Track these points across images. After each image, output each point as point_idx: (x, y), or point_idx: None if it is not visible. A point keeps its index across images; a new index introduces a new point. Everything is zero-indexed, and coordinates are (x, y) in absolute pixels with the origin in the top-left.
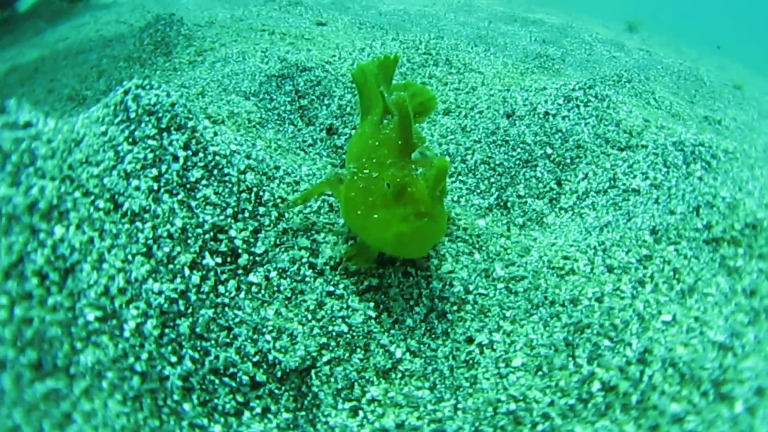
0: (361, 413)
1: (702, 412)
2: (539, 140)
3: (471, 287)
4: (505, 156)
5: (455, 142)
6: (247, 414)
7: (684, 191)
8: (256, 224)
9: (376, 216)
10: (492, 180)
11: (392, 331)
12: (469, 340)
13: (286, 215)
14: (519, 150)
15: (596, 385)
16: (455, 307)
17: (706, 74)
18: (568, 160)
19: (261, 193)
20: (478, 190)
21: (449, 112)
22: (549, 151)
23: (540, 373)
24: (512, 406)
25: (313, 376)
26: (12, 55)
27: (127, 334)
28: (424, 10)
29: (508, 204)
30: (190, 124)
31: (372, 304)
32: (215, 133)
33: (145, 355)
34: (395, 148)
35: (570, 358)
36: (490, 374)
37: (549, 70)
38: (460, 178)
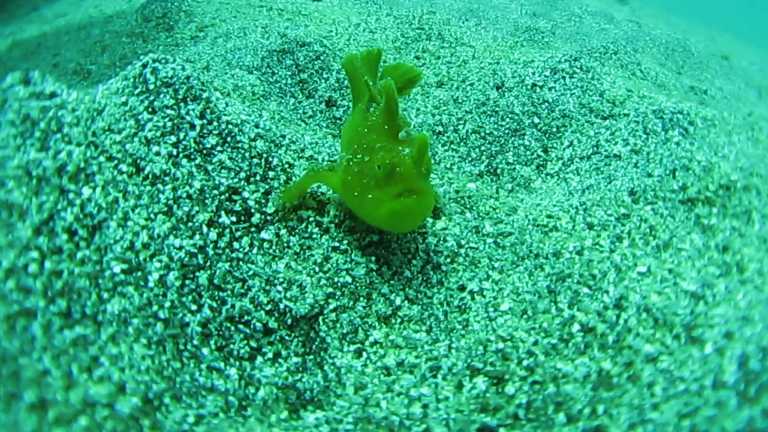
0: (364, 354)
1: (674, 353)
2: (527, 110)
3: (463, 242)
4: (495, 126)
5: (447, 113)
6: (259, 359)
7: (662, 155)
8: (266, 186)
9: (370, 196)
10: (482, 148)
11: (392, 282)
12: (461, 288)
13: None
14: (508, 120)
15: (576, 327)
16: (448, 260)
17: (694, 45)
18: (554, 129)
19: (270, 159)
20: (470, 158)
21: (442, 85)
22: (536, 120)
23: (525, 316)
24: (500, 345)
25: (321, 323)
26: (11, 30)
27: (151, 284)
28: None
29: (498, 170)
30: (204, 95)
31: (373, 258)
32: (226, 104)
33: (167, 304)
34: (383, 132)
35: (552, 304)
36: (480, 318)
37: (538, 43)
38: (452, 146)
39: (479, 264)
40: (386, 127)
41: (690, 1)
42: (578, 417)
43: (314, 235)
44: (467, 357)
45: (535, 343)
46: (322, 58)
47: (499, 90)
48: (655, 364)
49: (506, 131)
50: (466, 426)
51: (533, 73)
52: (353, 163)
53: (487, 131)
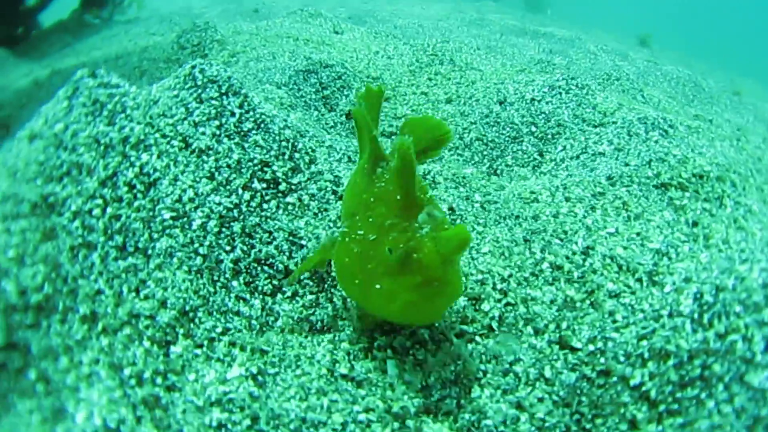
0: None
1: (636, 291)
2: (525, 121)
3: (454, 206)
4: (496, 134)
5: (454, 124)
6: (279, 295)
7: (640, 150)
8: (292, 164)
9: (378, 287)
10: (485, 153)
11: None
12: None
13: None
14: (508, 129)
15: (546, 265)
16: None
17: (705, 82)
18: (550, 136)
19: (296, 144)
20: (473, 161)
21: (451, 101)
22: (533, 129)
23: (502, 257)
24: (479, 276)
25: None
26: (48, 62)
27: (194, 228)
28: (438, 23)
29: (498, 171)
30: (243, 91)
31: None
32: (260, 102)
33: (206, 243)
34: (394, 204)
35: (527, 249)
36: (463, 258)
37: (547, 72)
38: (458, 152)
39: (466, 220)
40: (398, 197)
41: (714, 47)
42: (544, 330)
43: (330, 200)
44: None
45: (510, 275)
46: (343, 77)
47: (502, 105)
48: (617, 299)
49: (506, 138)
50: (447, 330)
51: (533, 90)
52: (351, 240)
53: (489, 139)
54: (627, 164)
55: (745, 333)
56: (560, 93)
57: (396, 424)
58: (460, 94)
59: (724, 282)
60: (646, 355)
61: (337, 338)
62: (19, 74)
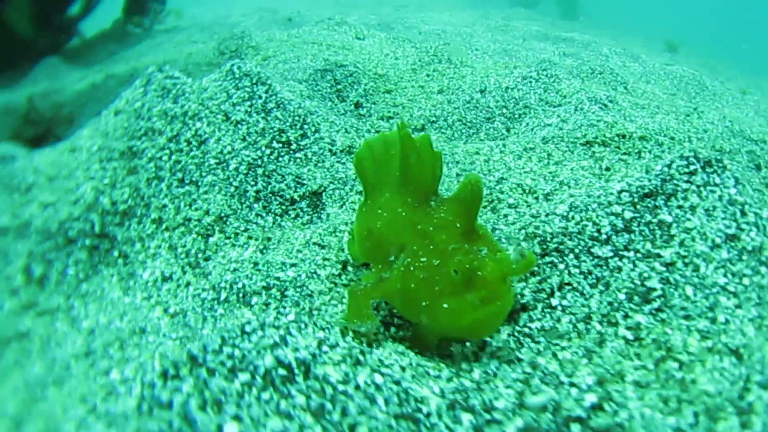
0: (344, 207)
1: (531, 205)
2: (498, 105)
3: None
4: (474, 116)
5: (441, 109)
6: (286, 216)
7: (578, 119)
8: (301, 132)
9: (446, 306)
10: (463, 131)
11: None
12: None
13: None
14: (484, 112)
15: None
16: None
17: (709, 81)
18: (517, 116)
19: (306, 118)
20: (453, 138)
21: (442, 92)
22: (504, 111)
23: (441, 186)
24: None
25: (324, 196)
26: (99, 68)
27: (230, 169)
28: (462, 30)
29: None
30: (268, 82)
31: None
32: (280, 89)
33: (238, 180)
34: (455, 231)
35: (456, 181)
36: None
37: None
38: (441, 130)
39: None
40: (458, 225)
41: (746, 54)
42: None
43: (327, 156)
44: None
45: None
46: (354, 75)
47: (482, 93)
48: (514, 209)
49: (482, 119)
50: None
51: (508, 80)
52: (416, 267)
53: (468, 120)
54: (562, 129)
55: (596, 221)
56: (531, 81)
57: (340, 267)
58: (450, 87)
59: (593, 192)
60: (521, 237)
61: (316, 227)
62: (74, 78)
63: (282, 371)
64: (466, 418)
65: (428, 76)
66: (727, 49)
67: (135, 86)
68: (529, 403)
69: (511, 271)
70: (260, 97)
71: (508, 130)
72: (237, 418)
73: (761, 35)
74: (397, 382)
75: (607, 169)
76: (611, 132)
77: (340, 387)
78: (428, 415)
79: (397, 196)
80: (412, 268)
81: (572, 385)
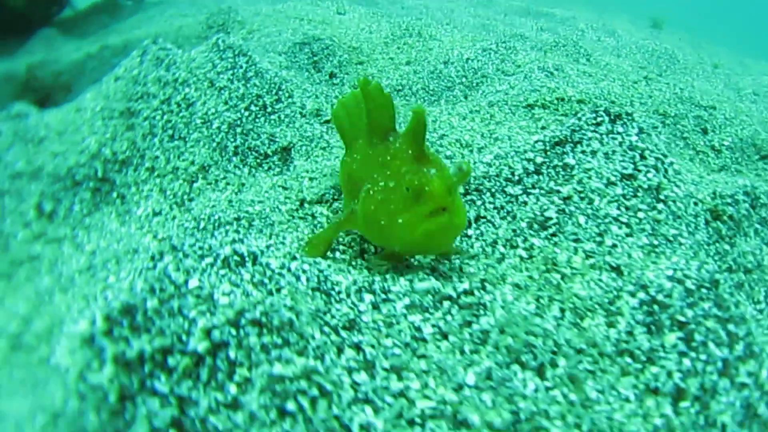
0: (309, 159)
1: (465, 156)
2: (459, 74)
3: None
4: (437, 85)
5: (408, 79)
6: (259, 168)
7: (523, 85)
8: (276, 97)
9: (400, 221)
10: (425, 98)
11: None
12: None
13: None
14: (446, 81)
15: None
16: None
17: (681, 55)
18: (475, 84)
19: (281, 86)
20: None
21: (409, 63)
22: (464, 80)
23: None
24: None
25: (292, 151)
26: (94, 39)
27: (213, 128)
28: (444, 4)
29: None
30: (249, 53)
31: (325, 125)
32: (259, 60)
33: (219, 137)
34: (408, 158)
35: None
36: None
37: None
38: (406, 98)
39: None
40: (410, 152)
41: (740, 34)
42: None
43: (296, 118)
44: None
45: None
46: (330, 48)
47: (445, 64)
48: (450, 159)
49: (443, 88)
50: None
51: (470, 52)
52: (375, 191)
53: (431, 88)
54: (507, 94)
55: (512, 165)
56: (490, 53)
57: (298, 203)
58: (417, 59)
59: (515, 144)
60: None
61: (281, 176)
62: (70, 49)
63: (236, 258)
64: (368, 297)
65: (399, 48)
66: (717, 26)
67: (132, 56)
68: (416, 288)
69: (452, 183)
70: (241, 67)
71: (465, 97)
72: (200, 279)
73: (756, 15)
74: (321, 271)
75: (543, 128)
76: (551, 96)
77: (277, 271)
78: (339, 292)
79: (366, 139)
80: (371, 193)
81: (459, 281)
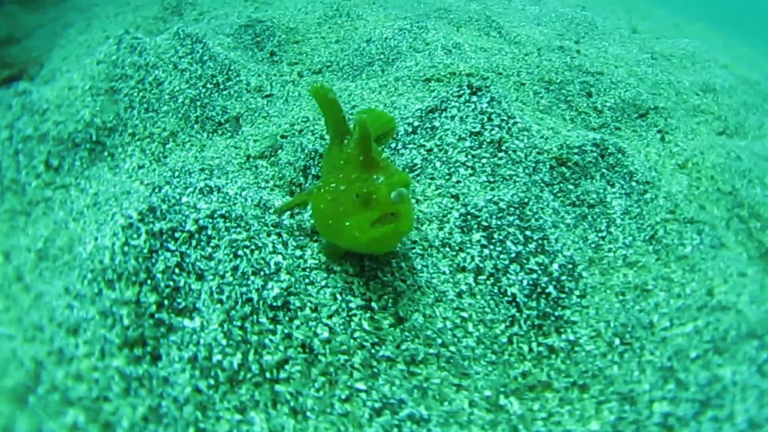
0: (253, 126)
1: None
2: (378, 51)
3: None
4: (360, 61)
5: (336, 56)
6: (215, 133)
7: (425, 63)
8: (227, 76)
9: (348, 223)
10: (350, 73)
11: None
12: None
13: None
14: (367, 57)
15: None
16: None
17: (600, 21)
18: (391, 60)
19: (231, 66)
20: (344, 78)
21: (338, 42)
22: (382, 56)
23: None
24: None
25: (240, 120)
26: (54, 16)
27: (179, 102)
28: None
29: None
30: (204, 40)
31: (266, 99)
32: (212, 45)
33: (184, 109)
34: (358, 164)
35: None
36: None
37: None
38: (335, 73)
39: None
40: (361, 158)
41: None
42: None
43: (243, 93)
44: None
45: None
46: (270, 29)
47: (367, 42)
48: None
49: (365, 64)
50: None
51: (389, 31)
52: (326, 191)
53: (355, 64)
54: (411, 69)
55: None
56: (405, 32)
57: (245, 158)
58: (345, 37)
59: (404, 112)
60: None
61: (232, 138)
62: (33, 24)
63: (207, 188)
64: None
65: (329, 28)
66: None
67: (110, 43)
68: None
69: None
70: (198, 52)
71: (383, 72)
72: (188, 197)
73: None
74: (260, 196)
75: (442, 104)
76: (445, 71)
77: (233, 195)
78: (270, 207)
79: (330, 138)
80: (323, 191)
81: None
